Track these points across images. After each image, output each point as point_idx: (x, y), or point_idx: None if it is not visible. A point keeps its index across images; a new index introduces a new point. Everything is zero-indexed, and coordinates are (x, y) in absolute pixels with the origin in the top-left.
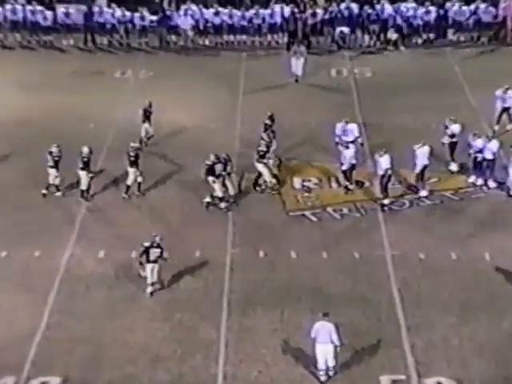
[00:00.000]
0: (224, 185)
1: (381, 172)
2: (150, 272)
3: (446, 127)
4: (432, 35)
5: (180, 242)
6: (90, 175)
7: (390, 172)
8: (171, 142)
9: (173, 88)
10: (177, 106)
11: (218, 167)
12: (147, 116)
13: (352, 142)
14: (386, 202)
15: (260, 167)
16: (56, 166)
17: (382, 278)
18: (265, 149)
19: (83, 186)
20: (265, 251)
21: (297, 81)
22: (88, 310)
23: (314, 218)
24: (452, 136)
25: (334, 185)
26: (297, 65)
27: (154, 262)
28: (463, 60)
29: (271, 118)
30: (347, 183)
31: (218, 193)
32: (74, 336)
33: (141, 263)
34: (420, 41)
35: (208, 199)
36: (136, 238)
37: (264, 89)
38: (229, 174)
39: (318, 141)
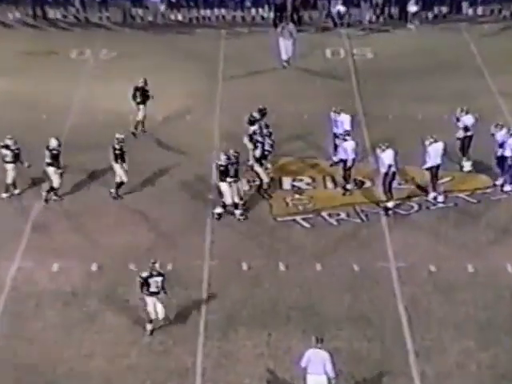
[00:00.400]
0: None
1: (383, 169)
2: (153, 306)
3: (458, 119)
4: (444, 9)
5: (149, 252)
6: (59, 171)
7: (393, 169)
8: (139, 138)
9: (139, 72)
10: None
11: (232, 168)
12: (146, 96)
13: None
14: (389, 204)
15: (256, 168)
16: (15, 160)
17: (387, 295)
18: (259, 152)
19: (54, 184)
20: (248, 263)
21: (286, 64)
22: (39, 333)
23: (306, 224)
24: (465, 129)
25: (330, 185)
26: (285, 46)
27: (157, 293)
28: (481, 37)
29: (262, 112)
30: (345, 183)
31: (228, 199)
32: (21, 363)
33: (141, 299)
34: (431, 15)
35: (219, 210)
36: (98, 247)
37: (247, 74)
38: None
39: (310, 134)
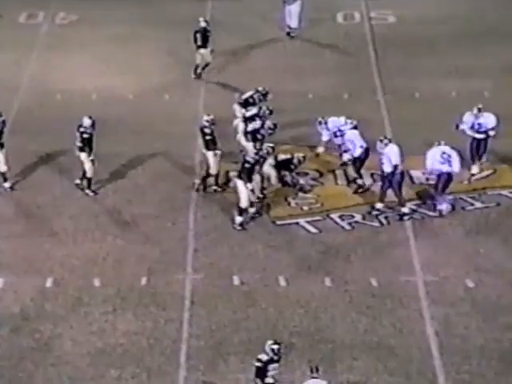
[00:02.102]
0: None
1: (388, 169)
2: None
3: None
4: None
5: (120, 263)
6: (91, 157)
7: (401, 167)
8: (106, 122)
9: (106, 40)
10: (113, 67)
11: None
12: (206, 38)
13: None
14: (405, 209)
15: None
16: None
17: (412, 316)
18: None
19: (88, 173)
20: (240, 277)
21: (289, 34)
22: None
23: (312, 229)
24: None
25: (341, 181)
26: (289, 11)
27: None
28: None
29: (265, 95)
30: (358, 177)
31: (245, 203)
32: None
33: None
34: None
35: (239, 219)
36: (54, 258)
37: (240, 44)
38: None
39: (316, 117)
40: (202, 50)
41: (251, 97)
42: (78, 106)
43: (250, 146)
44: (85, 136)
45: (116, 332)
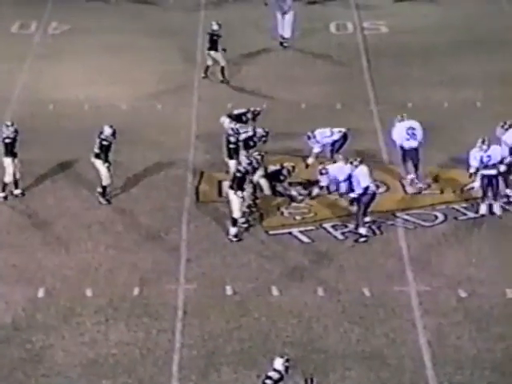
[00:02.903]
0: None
1: (358, 190)
2: None
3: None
4: None
5: (112, 273)
6: (106, 165)
7: (373, 189)
8: (97, 131)
9: (98, 50)
10: (105, 76)
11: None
12: (213, 41)
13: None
14: (363, 231)
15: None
16: (12, 152)
17: (405, 326)
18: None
19: (104, 181)
20: (233, 286)
21: (282, 44)
22: None
23: (304, 239)
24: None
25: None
26: (282, 21)
27: None
28: None
29: (256, 116)
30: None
31: (237, 213)
32: None
33: None
34: None
35: (233, 230)
36: (46, 267)
37: (233, 54)
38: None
39: (309, 127)
40: (212, 53)
41: (244, 114)
42: (71, 116)
43: (232, 163)
44: (104, 143)
45: (108, 342)
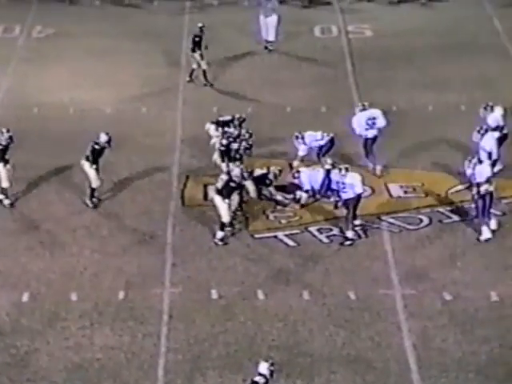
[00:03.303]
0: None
1: (350, 195)
2: None
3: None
4: None
5: (97, 277)
6: (94, 167)
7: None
8: (83, 135)
9: (83, 53)
10: (90, 80)
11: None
12: (196, 43)
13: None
14: (350, 234)
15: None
16: (3, 158)
17: (390, 329)
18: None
19: (93, 184)
20: (219, 291)
21: (267, 48)
22: None
23: (290, 242)
24: (498, 129)
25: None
26: (266, 25)
27: None
28: (506, 9)
29: (241, 123)
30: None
31: (226, 218)
32: None
33: None
34: None
35: (220, 234)
36: (30, 272)
37: (217, 57)
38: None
39: (295, 131)
40: (196, 55)
41: (230, 122)
42: (55, 120)
43: (223, 165)
44: (96, 147)
45: (93, 347)
